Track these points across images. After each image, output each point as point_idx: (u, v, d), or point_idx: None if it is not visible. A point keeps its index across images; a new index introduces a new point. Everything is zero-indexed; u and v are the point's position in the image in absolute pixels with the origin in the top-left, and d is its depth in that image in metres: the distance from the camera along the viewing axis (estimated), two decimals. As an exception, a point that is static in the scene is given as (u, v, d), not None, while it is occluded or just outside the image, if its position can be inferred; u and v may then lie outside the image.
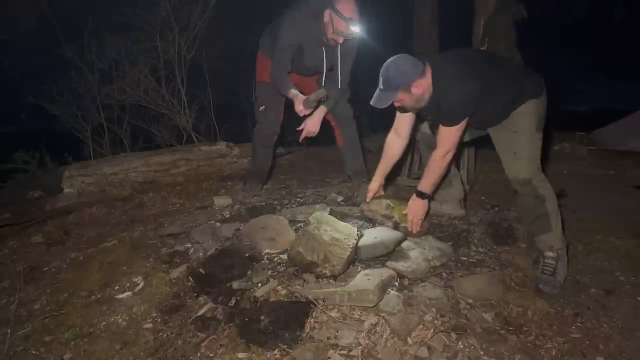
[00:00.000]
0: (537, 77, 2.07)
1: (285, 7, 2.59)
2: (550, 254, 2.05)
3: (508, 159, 2.08)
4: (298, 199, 2.83)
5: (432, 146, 2.33)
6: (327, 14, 2.41)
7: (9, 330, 1.92)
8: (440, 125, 2.02)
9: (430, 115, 2.20)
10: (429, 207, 2.26)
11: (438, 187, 2.51)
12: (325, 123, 2.77)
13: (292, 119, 2.86)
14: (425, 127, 2.38)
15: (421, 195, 2.18)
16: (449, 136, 2.02)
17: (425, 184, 2.17)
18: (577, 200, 2.93)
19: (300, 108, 2.50)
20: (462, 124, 1.98)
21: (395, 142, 2.34)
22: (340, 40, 2.47)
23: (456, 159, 2.51)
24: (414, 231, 2.22)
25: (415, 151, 3.25)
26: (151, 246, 2.43)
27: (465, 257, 2.13)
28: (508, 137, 2.07)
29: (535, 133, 2.04)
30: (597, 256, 2.35)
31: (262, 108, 2.80)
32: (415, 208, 2.22)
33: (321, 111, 2.63)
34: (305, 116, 2.60)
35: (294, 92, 2.51)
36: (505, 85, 2.01)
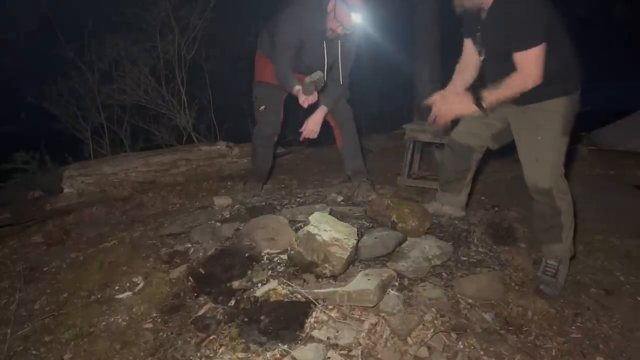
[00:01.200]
0: (579, 69, 1.86)
1: (284, 5, 2.57)
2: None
3: (528, 164, 1.95)
4: (298, 199, 2.83)
5: (460, 154, 2.26)
6: (331, 4, 2.41)
7: (9, 330, 1.92)
8: (516, 54, 1.72)
9: (485, 41, 1.90)
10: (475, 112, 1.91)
11: (449, 186, 2.43)
12: (325, 123, 2.77)
13: (292, 119, 2.86)
14: (457, 133, 2.26)
15: (480, 105, 1.85)
16: (527, 61, 1.70)
17: (491, 94, 1.82)
18: (577, 201, 2.92)
19: (302, 99, 2.45)
20: (540, 48, 1.66)
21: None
22: (339, 30, 2.44)
23: (475, 168, 2.38)
24: (439, 122, 1.94)
25: (416, 151, 3.25)
26: (151, 246, 2.43)
27: (465, 257, 2.12)
28: (531, 140, 1.92)
29: (560, 137, 1.88)
30: (597, 256, 2.35)
31: (262, 108, 2.80)
32: (459, 100, 1.89)
33: (322, 111, 2.63)
34: (308, 112, 2.58)
35: (297, 89, 2.48)
36: (560, 49, 1.75)
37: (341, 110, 2.81)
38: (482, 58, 1.99)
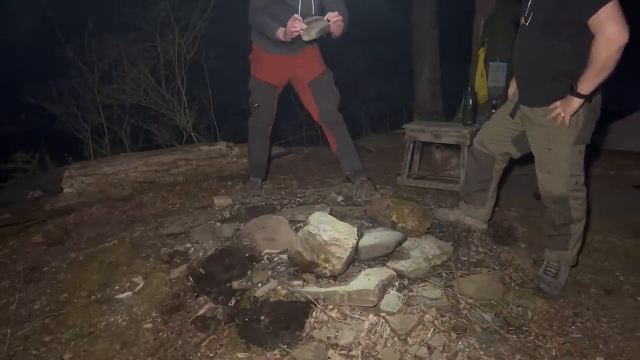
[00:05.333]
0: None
1: None
2: None
3: (541, 175, 1.93)
4: (298, 199, 2.83)
5: (482, 163, 2.21)
6: None
7: (9, 330, 1.92)
8: (591, 17, 1.58)
9: (537, 3, 1.76)
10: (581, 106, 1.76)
11: (472, 198, 2.34)
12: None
13: (292, 120, 2.85)
14: (479, 139, 2.22)
15: (577, 95, 1.72)
16: (604, 22, 1.54)
17: (584, 82, 1.67)
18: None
19: (294, 24, 2.32)
20: (612, 4, 1.53)
21: None
22: None
23: (497, 179, 2.29)
24: (566, 124, 1.79)
25: (416, 151, 3.26)
26: (151, 246, 2.43)
27: (465, 257, 2.12)
28: (542, 151, 1.89)
29: (573, 147, 1.82)
30: (597, 256, 2.36)
31: (255, 105, 2.82)
32: (568, 105, 1.74)
33: (339, 16, 2.45)
34: (307, 112, 2.54)
35: (282, 30, 2.41)
36: (586, 46, 1.62)
37: (331, 116, 2.82)
38: (524, 24, 1.84)
